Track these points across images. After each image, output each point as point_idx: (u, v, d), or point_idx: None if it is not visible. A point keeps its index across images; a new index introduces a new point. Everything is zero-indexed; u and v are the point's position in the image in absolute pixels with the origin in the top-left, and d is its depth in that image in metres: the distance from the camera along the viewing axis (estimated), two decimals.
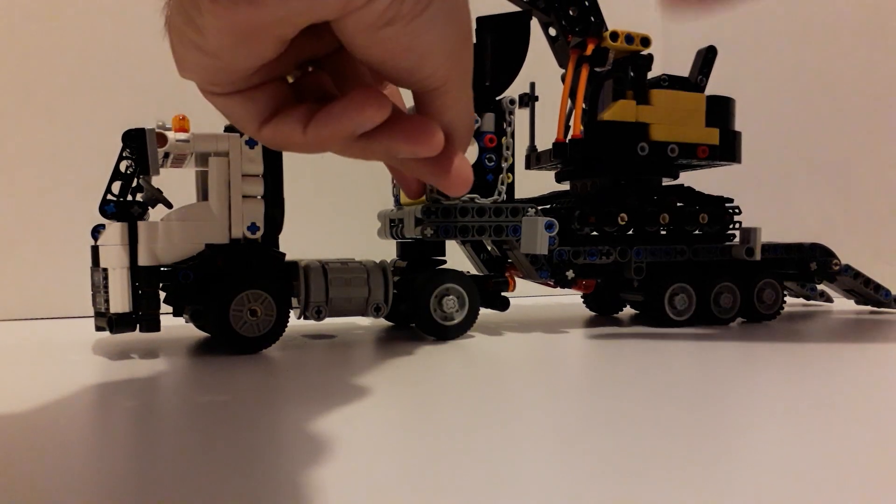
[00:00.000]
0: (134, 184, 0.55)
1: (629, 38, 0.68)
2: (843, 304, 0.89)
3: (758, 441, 0.32)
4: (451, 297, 0.64)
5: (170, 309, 0.58)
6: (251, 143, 0.57)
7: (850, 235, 0.94)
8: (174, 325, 0.66)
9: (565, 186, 0.80)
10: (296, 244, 0.66)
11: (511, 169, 0.66)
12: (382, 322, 0.76)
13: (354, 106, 0.24)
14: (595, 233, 0.71)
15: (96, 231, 0.56)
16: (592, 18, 0.70)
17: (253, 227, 0.58)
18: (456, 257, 0.74)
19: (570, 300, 0.96)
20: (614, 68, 0.70)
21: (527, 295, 0.97)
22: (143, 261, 0.55)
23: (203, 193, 0.63)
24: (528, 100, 0.74)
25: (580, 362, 0.56)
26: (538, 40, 0.72)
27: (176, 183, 0.63)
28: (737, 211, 0.74)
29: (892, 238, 0.95)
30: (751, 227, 0.72)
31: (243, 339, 0.57)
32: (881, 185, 0.96)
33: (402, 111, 0.26)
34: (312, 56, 0.26)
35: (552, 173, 0.79)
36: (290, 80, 0.26)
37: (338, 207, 0.96)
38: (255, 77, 0.24)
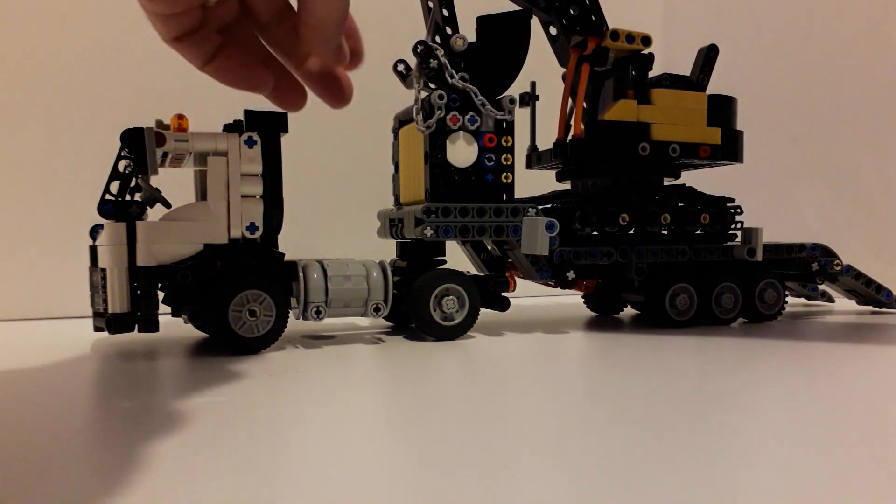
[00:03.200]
0: (132, 183, 0.55)
1: (630, 37, 0.68)
2: (844, 305, 0.89)
3: (759, 442, 0.32)
4: (451, 297, 0.64)
5: (168, 309, 0.58)
6: (250, 143, 0.57)
7: (851, 236, 0.94)
8: (173, 326, 0.66)
9: (566, 186, 0.80)
10: (295, 244, 0.65)
11: (511, 168, 0.66)
12: (382, 322, 0.75)
13: (253, 82, 0.31)
14: (596, 233, 0.70)
15: (95, 231, 0.56)
16: (593, 17, 0.70)
17: (252, 227, 0.58)
18: (456, 257, 0.73)
19: (571, 300, 0.96)
20: (615, 68, 0.69)
21: (527, 295, 0.96)
22: (141, 261, 0.54)
23: (202, 193, 0.62)
24: (529, 99, 0.74)
25: (581, 363, 0.56)
26: (539, 39, 0.72)
27: (174, 182, 0.63)
28: (738, 211, 0.74)
29: (894, 238, 0.95)
30: (752, 227, 0.72)
31: (242, 339, 0.56)
32: (883, 185, 0.96)
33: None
34: None
35: (553, 173, 0.79)
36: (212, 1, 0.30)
37: (338, 207, 0.95)
38: None
